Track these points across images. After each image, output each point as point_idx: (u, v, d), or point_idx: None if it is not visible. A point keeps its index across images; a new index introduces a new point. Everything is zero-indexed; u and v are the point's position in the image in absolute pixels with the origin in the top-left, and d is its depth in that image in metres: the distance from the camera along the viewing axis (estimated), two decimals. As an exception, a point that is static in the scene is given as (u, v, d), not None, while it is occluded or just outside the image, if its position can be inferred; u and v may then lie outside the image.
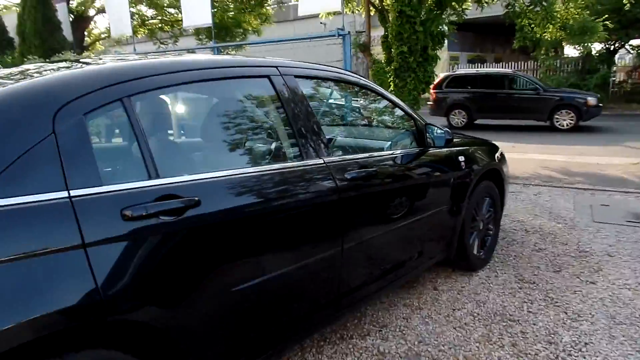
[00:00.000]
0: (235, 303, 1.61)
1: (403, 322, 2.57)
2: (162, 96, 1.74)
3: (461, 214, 2.88)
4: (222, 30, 12.16)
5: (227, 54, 12.51)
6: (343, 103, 3.46)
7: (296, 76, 2.03)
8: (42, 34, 9.40)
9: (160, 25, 12.49)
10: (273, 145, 1.93)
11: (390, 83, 8.23)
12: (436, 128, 2.59)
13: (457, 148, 2.90)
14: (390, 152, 2.44)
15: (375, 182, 2.18)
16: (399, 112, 2.66)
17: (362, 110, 3.30)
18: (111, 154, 1.90)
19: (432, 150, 2.63)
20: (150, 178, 1.42)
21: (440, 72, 19.50)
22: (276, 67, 1.97)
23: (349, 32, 6.24)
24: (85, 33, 13.03)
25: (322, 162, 1.95)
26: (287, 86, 1.95)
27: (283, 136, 1.92)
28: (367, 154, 2.23)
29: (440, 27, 8.11)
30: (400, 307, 2.73)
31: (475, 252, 3.17)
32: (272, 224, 1.72)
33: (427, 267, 2.90)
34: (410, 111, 2.65)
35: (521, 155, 7.67)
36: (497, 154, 3.46)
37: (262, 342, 1.77)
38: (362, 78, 2.45)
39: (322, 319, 2.07)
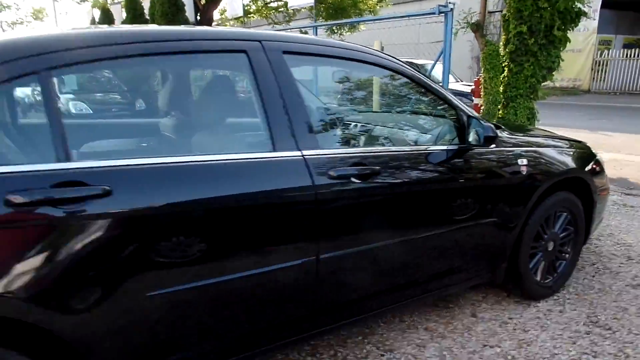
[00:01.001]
0: (147, 310, 1.40)
1: (415, 350, 2.15)
2: (93, 71, 1.59)
3: (515, 230, 2.31)
4: (339, 11, 11.96)
5: (340, 35, 12.30)
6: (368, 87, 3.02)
7: (286, 52, 1.73)
8: (167, 16, 10.22)
9: (269, 4, 12.72)
10: (235, 133, 1.68)
11: (505, 68, 7.25)
12: (481, 122, 2.06)
13: (518, 148, 2.31)
14: (411, 148, 2.01)
15: (376, 184, 1.79)
16: (438, 101, 2.17)
17: (389, 97, 2.82)
18: (14, 132, 1.74)
19: (474, 150, 2.11)
20: (53, 161, 1.27)
21: (585, 58, 17.01)
22: (259, 40, 1.69)
23: (451, 8, 5.57)
24: (217, 13, 13.86)
25: (299, 154, 1.64)
26: (269, 63, 1.66)
27: (251, 122, 1.65)
28: (369, 149, 1.84)
29: (573, 2, 6.85)
30: (419, 331, 2.31)
31: (537, 277, 2.55)
32: (209, 224, 1.47)
33: (462, 288, 2.40)
34: (453, 100, 2.15)
35: (663, 162, 6.24)
36: (589, 160, 2.73)
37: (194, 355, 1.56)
38: (387, 57, 2.02)
39: (284, 336, 1.77)
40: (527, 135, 2.63)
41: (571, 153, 2.62)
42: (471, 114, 2.11)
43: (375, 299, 1.98)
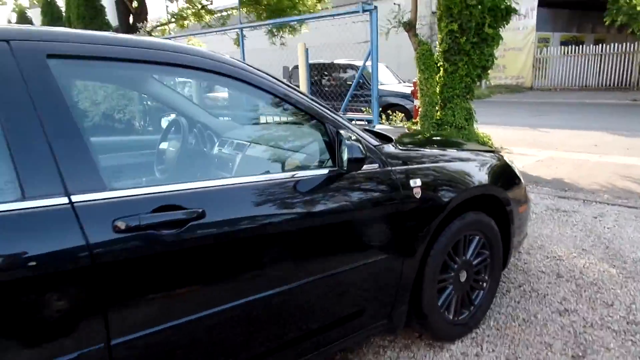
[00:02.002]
0: None
1: None
2: None
3: (412, 265, 1.87)
4: (277, 12, 11.48)
5: (282, 38, 11.79)
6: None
7: (53, 55, 1.21)
8: (84, 19, 9.45)
9: (205, 7, 12.12)
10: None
11: (440, 67, 6.98)
12: (350, 140, 1.58)
13: (410, 167, 1.88)
14: (258, 177, 1.52)
15: (202, 232, 1.30)
16: (305, 114, 1.69)
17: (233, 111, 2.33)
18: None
19: (349, 174, 1.65)
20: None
21: (526, 56, 17.27)
22: (6, 40, 1.17)
23: (375, 6, 5.19)
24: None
25: (65, 201, 1.13)
26: (19, 71, 1.15)
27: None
28: (190, 184, 1.34)
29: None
30: (302, 399, 1.84)
31: (449, 315, 2.14)
32: None
33: (354, 342, 1.95)
34: (322, 112, 1.69)
35: (599, 158, 6.10)
36: (502, 173, 2.36)
37: None
38: (225, 60, 1.54)
39: None
40: (427, 148, 2.21)
41: (480, 166, 2.22)
42: (342, 129, 1.65)
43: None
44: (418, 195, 1.83)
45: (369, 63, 10.56)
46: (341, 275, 1.66)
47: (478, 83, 7.03)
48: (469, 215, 2.10)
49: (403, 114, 8.25)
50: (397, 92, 8.99)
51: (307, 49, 5.45)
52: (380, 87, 9.65)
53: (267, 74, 1.61)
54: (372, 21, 5.20)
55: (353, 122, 1.90)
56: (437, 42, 7.05)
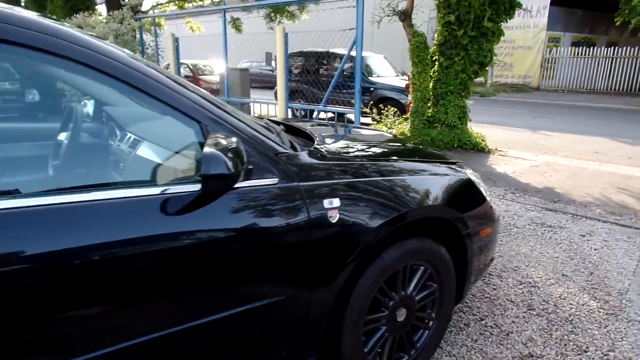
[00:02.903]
0: None
1: None
2: None
3: (324, 305, 1.46)
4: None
5: (280, 23, 11.31)
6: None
7: None
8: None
9: None
10: None
11: (435, 62, 6.49)
12: (210, 149, 1.14)
13: (328, 182, 1.45)
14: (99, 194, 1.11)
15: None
16: (170, 110, 1.26)
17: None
18: None
19: (232, 191, 1.23)
20: None
21: (535, 55, 16.61)
22: None
23: (362, -9, 4.71)
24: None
25: None
26: None
27: None
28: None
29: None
30: None
31: (381, 362, 1.73)
32: None
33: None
34: (193, 103, 1.26)
35: (598, 166, 5.62)
36: (461, 190, 1.92)
37: None
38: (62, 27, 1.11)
39: None
40: (362, 156, 1.77)
41: (432, 183, 1.79)
42: (219, 131, 1.22)
43: None
44: (334, 219, 1.41)
45: (367, 53, 10.11)
46: (216, 324, 1.25)
47: (481, 79, 6.53)
48: (411, 242, 1.68)
49: (396, 109, 7.76)
50: (393, 85, 8.51)
51: (286, 33, 5.00)
52: (375, 79, 9.20)
53: (116, 48, 1.18)
54: (358, 6, 4.72)
55: (300, 117, 1.47)
56: (436, 34, 6.58)
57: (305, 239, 1.36)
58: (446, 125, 6.42)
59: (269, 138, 1.40)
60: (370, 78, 9.03)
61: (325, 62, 9.86)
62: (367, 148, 2.03)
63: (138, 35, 8.40)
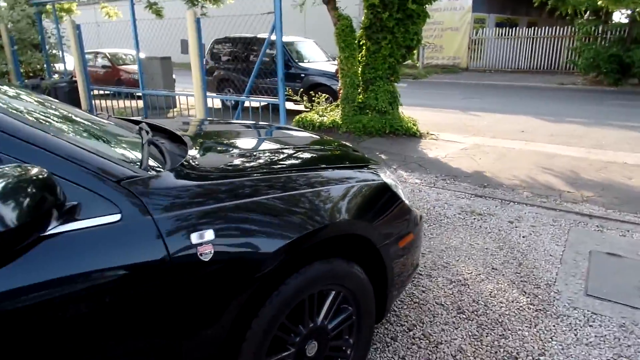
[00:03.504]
0: None
1: None
2: None
3: (201, 355, 1.17)
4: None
5: (203, 7, 10.63)
6: None
7: None
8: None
9: None
10: None
11: (362, 46, 6.27)
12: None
13: (192, 210, 1.12)
14: None
15: None
16: None
17: None
18: None
19: (64, 231, 0.90)
20: None
21: (462, 37, 16.97)
22: None
23: (279, -29, 4.34)
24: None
25: None
26: None
27: None
28: None
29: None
30: None
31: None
32: None
33: None
34: None
35: (524, 146, 5.69)
36: (372, 199, 1.67)
37: None
38: None
39: None
40: (250, 170, 1.46)
41: (338, 195, 1.52)
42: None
43: None
44: (207, 257, 1.10)
45: (296, 38, 9.74)
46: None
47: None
48: (317, 267, 1.40)
49: (328, 95, 7.50)
50: (324, 71, 8.22)
51: (198, 18, 4.53)
52: (305, 64, 8.88)
53: None
54: (275, -12, 4.35)
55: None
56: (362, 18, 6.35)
57: (166, 286, 1.04)
58: (377, 111, 6.26)
59: (110, 159, 1.05)
60: (300, 64, 8.69)
61: (255, 47, 9.37)
62: (264, 156, 1.72)
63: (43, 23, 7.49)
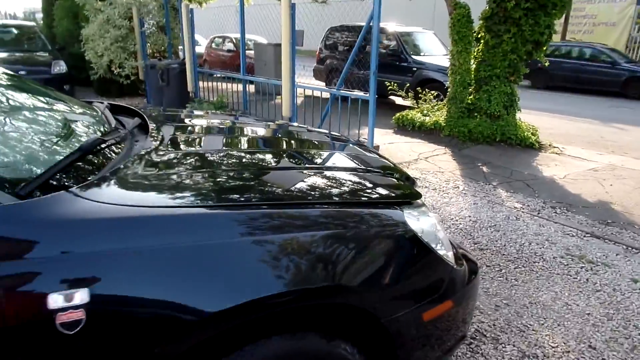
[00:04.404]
0: None
1: None
2: None
3: None
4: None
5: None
6: None
7: None
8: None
9: None
10: None
11: (480, 40, 5.45)
12: None
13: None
14: None
15: None
16: None
17: None
18: None
19: None
20: None
21: (620, 33, 14.35)
22: None
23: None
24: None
25: None
26: None
27: None
28: None
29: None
30: None
31: None
32: None
33: None
34: None
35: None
36: (390, 251, 1.19)
37: None
38: None
39: None
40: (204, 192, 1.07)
41: (315, 244, 1.06)
42: None
43: None
44: (74, 327, 0.77)
45: (414, 29, 9.04)
46: None
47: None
48: (272, 345, 0.99)
49: (438, 92, 6.80)
50: (439, 65, 7.45)
51: (293, 3, 4.24)
52: (420, 58, 8.17)
53: None
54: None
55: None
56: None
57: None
58: (488, 115, 5.42)
59: None
60: (414, 57, 8.05)
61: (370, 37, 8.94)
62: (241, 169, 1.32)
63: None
